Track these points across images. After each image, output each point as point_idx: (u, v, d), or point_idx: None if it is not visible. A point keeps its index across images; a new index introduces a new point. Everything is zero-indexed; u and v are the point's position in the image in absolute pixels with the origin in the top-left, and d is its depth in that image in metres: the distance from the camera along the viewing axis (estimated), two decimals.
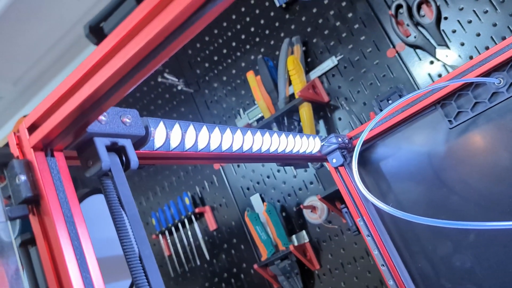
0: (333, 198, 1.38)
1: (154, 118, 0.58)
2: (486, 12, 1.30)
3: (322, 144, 1.02)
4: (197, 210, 1.76)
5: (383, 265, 1.03)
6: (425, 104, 1.03)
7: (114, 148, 0.51)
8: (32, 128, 0.47)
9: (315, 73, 1.57)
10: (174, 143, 0.62)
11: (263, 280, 1.62)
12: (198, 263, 1.79)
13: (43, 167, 0.46)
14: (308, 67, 1.59)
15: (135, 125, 0.53)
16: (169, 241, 1.86)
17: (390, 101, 1.11)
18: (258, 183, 1.68)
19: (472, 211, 0.99)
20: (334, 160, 1.05)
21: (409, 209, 1.06)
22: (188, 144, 0.64)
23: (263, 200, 1.64)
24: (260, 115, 1.64)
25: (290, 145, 0.87)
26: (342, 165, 1.08)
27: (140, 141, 0.55)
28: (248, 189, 1.70)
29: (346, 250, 1.47)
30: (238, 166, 1.73)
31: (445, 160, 1.03)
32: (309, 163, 1.52)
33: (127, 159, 0.51)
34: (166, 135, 0.60)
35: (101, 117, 0.49)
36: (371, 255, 1.43)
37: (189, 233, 1.81)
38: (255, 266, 1.51)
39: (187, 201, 1.80)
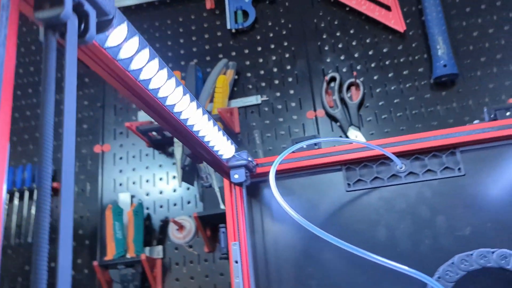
0: (208, 222, 1.34)
1: (121, 14, 0.52)
2: (400, 115, 1.45)
3: (233, 154, 1.00)
4: (54, 185, 1.57)
5: None
6: (334, 161, 1.08)
7: (77, 10, 0.44)
8: None
9: (236, 103, 1.58)
10: (124, 54, 0.55)
11: (94, 282, 1.46)
12: (30, 240, 1.56)
13: None
14: (233, 95, 1.60)
15: (109, 1, 0.47)
16: (5, 205, 1.61)
17: (305, 147, 1.15)
18: (134, 183, 1.57)
19: (339, 273, 1.02)
20: (236, 176, 1.03)
21: (282, 251, 1.06)
22: (135, 65, 0.58)
23: (131, 202, 1.53)
24: None
25: (213, 133, 0.84)
26: (241, 184, 1.06)
27: (101, 24, 0.48)
28: (121, 184, 1.57)
29: (195, 280, 1.40)
30: (121, 158, 1.61)
31: (331, 218, 1.07)
32: (196, 182, 1.47)
33: (86, 28, 0.44)
34: (123, 40, 0.53)
35: None
36: None
37: (34, 206, 1.59)
38: (95, 263, 1.36)
39: None
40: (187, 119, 0.75)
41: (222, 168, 1.02)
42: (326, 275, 1.02)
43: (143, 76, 0.61)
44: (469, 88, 1.42)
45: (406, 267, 0.72)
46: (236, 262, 1.02)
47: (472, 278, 0.91)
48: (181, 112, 0.72)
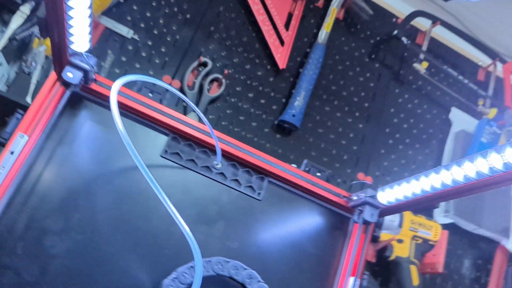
0: (2, 106, 1.16)
1: None
2: (236, 131, 1.52)
3: (82, 52, 0.91)
4: None
5: None
6: (165, 122, 1.07)
7: None
8: None
9: (107, 22, 1.46)
10: None
11: None
12: None
13: None
14: (108, 13, 1.48)
15: None
16: None
17: (151, 95, 1.11)
18: None
19: (104, 221, 0.98)
20: (70, 75, 0.93)
21: (66, 171, 0.98)
22: None
23: None
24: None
25: (82, 15, 0.75)
26: (68, 85, 0.96)
27: None
28: None
29: None
30: None
31: (131, 169, 1.04)
32: (14, 64, 1.29)
33: None
34: None
35: None
36: None
37: None
38: None
39: None
40: None
41: (60, 57, 0.92)
42: (91, 216, 0.97)
43: None
44: (297, 145, 1.58)
45: (188, 230, 0.73)
46: (12, 153, 0.91)
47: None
48: None
